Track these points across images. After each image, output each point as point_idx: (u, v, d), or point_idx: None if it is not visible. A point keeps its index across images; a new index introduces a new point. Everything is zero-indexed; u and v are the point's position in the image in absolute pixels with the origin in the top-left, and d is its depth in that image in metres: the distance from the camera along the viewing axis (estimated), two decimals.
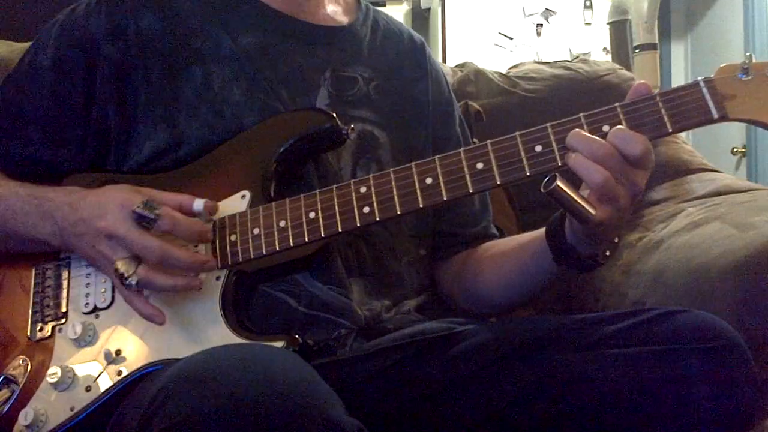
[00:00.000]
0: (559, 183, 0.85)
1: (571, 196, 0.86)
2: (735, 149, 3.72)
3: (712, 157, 1.94)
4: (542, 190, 0.86)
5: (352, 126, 1.07)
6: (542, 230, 1.03)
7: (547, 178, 0.86)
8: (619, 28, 3.10)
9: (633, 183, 0.87)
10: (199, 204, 0.97)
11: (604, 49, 3.54)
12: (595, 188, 0.86)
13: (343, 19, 1.22)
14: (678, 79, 4.31)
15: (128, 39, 1.08)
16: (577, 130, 0.88)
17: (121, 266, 0.92)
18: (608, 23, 3.17)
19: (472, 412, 0.97)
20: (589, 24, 3.69)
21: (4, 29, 1.74)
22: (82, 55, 1.08)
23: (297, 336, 0.94)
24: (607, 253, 0.98)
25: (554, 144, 0.89)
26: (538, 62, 1.95)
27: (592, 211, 0.86)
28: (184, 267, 0.94)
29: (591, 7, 3.69)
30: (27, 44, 1.17)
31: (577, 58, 2.17)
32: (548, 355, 0.96)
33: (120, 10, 1.10)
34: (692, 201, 1.54)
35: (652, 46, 2.99)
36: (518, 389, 0.96)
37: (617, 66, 1.90)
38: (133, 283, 0.91)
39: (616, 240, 0.99)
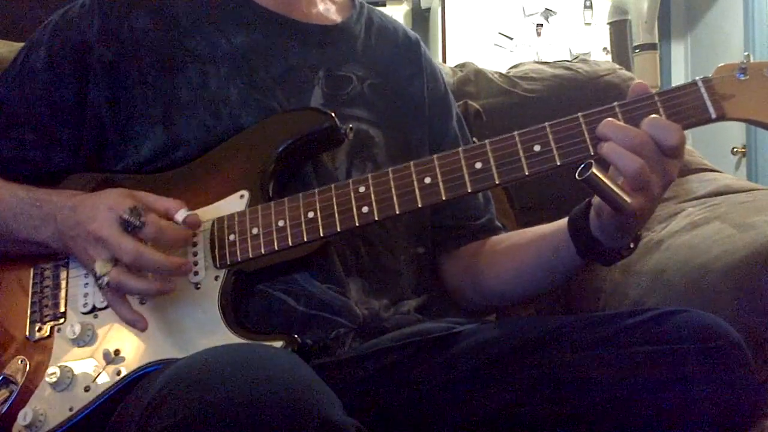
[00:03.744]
0: (594, 170, 0.85)
1: (607, 184, 0.85)
2: (735, 149, 3.72)
3: (712, 157, 1.94)
4: (577, 177, 0.85)
5: (351, 126, 1.07)
6: (562, 222, 1.03)
7: (582, 165, 0.86)
8: (619, 28, 3.10)
9: (666, 172, 0.88)
10: (180, 215, 0.97)
11: (604, 49, 3.54)
12: (629, 177, 0.86)
13: (337, 18, 1.22)
14: (678, 79, 4.31)
15: (122, 40, 1.08)
16: (610, 119, 0.88)
17: (98, 266, 0.92)
18: (608, 23, 3.18)
19: (471, 412, 0.97)
20: (589, 24, 3.69)
21: (4, 29, 1.74)
22: (75, 57, 1.08)
23: (296, 336, 0.94)
24: (632, 246, 0.99)
25: (553, 143, 0.90)
26: (538, 62, 1.95)
27: (627, 198, 0.86)
28: (157, 269, 0.93)
29: (591, 7, 3.69)
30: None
31: (577, 58, 2.17)
32: (548, 355, 0.96)
33: (113, 11, 1.10)
34: (692, 201, 1.54)
35: (652, 46, 3.00)
36: (518, 389, 0.96)
37: (617, 66, 1.90)
38: (104, 282, 0.91)
39: (639, 233, 0.99)
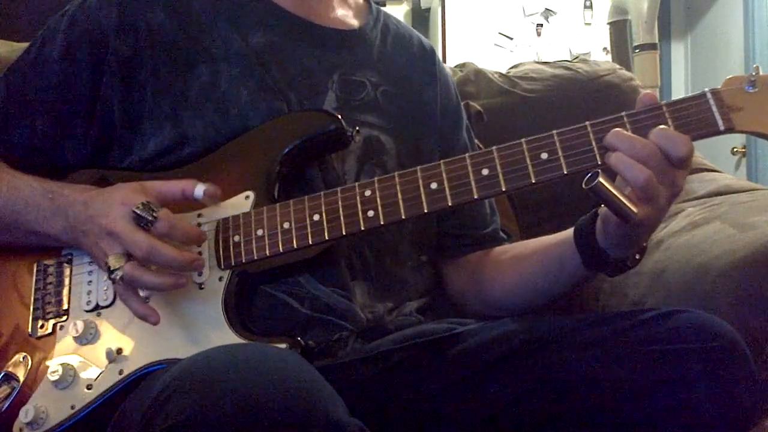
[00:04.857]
0: (601, 180, 0.84)
1: (613, 194, 0.85)
2: (735, 149, 3.72)
3: (712, 157, 1.94)
4: (584, 186, 0.85)
5: (357, 128, 1.06)
6: (568, 233, 1.02)
7: (589, 175, 0.85)
8: (619, 28, 3.10)
9: (673, 183, 0.87)
10: (199, 190, 0.97)
11: (604, 49, 3.54)
12: (637, 187, 0.85)
13: (354, 23, 1.22)
14: (678, 79, 4.31)
15: (138, 34, 1.08)
16: (618, 129, 0.88)
17: (111, 260, 0.92)
18: (608, 23, 3.17)
19: (472, 412, 0.97)
20: (589, 24, 3.69)
21: (4, 29, 1.74)
22: (90, 48, 1.08)
23: (299, 339, 0.94)
24: (637, 257, 0.98)
25: (560, 152, 0.89)
26: (538, 62, 1.95)
27: (634, 209, 0.85)
28: (170, 264, 0.93)
29: (591, 7, 3.69)
30: (27, 45, 1.16)
31: (577, 58, 2.17)
32: (548, 355, 0.96)
33: (131, 5, 1.09)
34: (692, 201, 1.54)
35: (652, 46, 2.99)
36: (518, 389, 0.96)
37: (617, 66, 1.90)
38: (118, 277, 0.91)
39: (645, 244, 0.98)
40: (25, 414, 0.96)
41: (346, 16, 1.21)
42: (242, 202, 1.01)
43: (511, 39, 3.65)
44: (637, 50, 3.00)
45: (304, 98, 1.10)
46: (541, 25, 3.68)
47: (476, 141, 1.37)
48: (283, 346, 0.92)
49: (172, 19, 1.10)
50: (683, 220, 1.45)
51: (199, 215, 1.02)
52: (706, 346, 0.89)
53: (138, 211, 0.92)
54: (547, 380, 0.95)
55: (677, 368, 0.89)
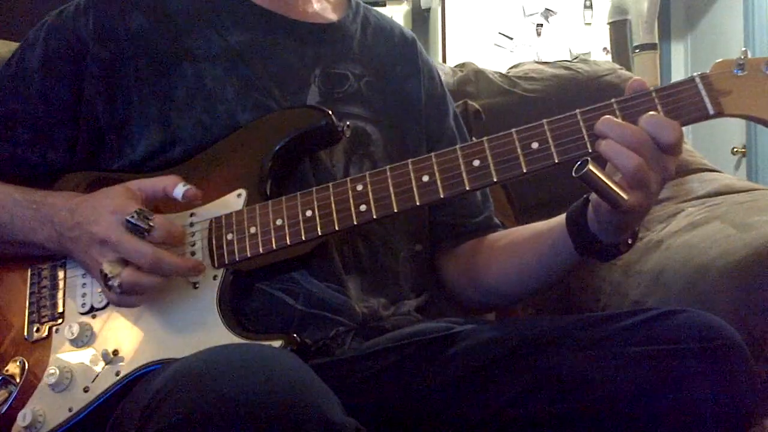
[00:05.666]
0: (591, 167, 0.84)
1: (603, 181, 0.85)
2: (735, 149, 3.72)
3: (712, 157, 1.93)
4: (574, 174, 0.85)
5: (348, 123, 1.07)
6: (560, 219, 1.03)
7: (578, 163, 0.85)
8: (619, 28, 3.10)
9: (664, 169, 0.88)
10: (179, 191, 0.97)
11: (604, 49, 3.54)
12: (627, 174, 0.86)
13: (333, 16, 1.22)
14: (678, 79, 4.31)
15: (117, 39, 1.09)
16: (608, 116, 0.88)
17: (107, 268, 0.92)
18: (608, 23, 3.17)
19: (471, 412, 0.97)
20: (589, 24, 3.69)
21: (4, 29, 1.74)
22: (70, 56, 1.09)
23: (295, 335, 0.94)
24: (629, 242, 0.98)
25: (551, 141, 0.89)
26: (538, 62, 1.95)
27: (624, 195, 0.86)
28: (177, 273, 0.95)
29: (591, 7, 3.69)
30: None
31: (577, 58, 2.16)
32: (548, 355, 0.96)
33: (109, 10, 1.10)
34: (692, 201, 1.54)
35: (652, 46, 2.99)
36: (518, 389, 0.95)
37: (617, 66, 1.90)
38: (116, 284, 0.91)
39: (637, 229, 0.99)
40: (23, 418, 0.96)
41: (325, 9, 1.22)
42: (234, 201, 1.01)
43: (511, 39, 3.66)
44: (637, 50, 3.00)
45: (287, 93, 1.11)
46: (541, 25, 3.68)
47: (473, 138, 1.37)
48: (278, 343, 0.92)
49: (151, 21, 1.10)
50: (683, 220, 1.45)
51: (192, 214, 1.02)
52: (706, 346, 0.89)
53: (133, 221, 0.92)
54: (546, 380, 0.94)
55: (677, 368, 0.89)
